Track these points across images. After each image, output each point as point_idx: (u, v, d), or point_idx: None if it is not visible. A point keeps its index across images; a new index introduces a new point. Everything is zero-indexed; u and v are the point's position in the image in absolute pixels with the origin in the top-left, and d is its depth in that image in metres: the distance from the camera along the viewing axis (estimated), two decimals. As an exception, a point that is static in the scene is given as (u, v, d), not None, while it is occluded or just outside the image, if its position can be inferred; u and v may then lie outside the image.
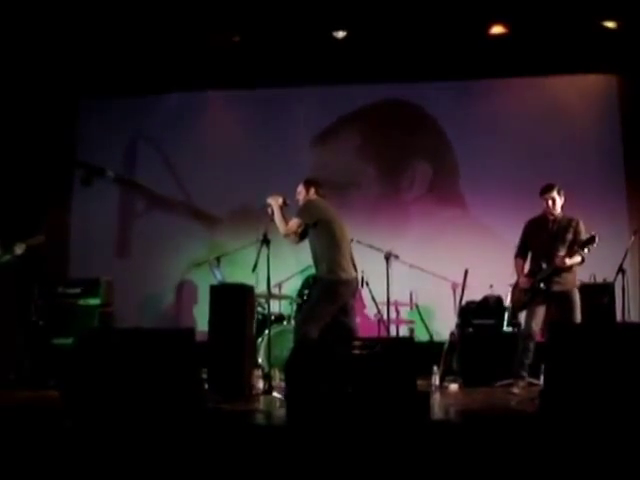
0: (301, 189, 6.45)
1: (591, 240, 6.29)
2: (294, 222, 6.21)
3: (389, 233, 8.86)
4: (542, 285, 6.45)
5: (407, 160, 9.53)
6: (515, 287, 6.81)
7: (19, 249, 7.33)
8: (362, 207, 9.31)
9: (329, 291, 6.12)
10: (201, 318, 8.42)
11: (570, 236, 6.50)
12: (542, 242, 6.57)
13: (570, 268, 6.50)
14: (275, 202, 6.32)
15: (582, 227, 6.53)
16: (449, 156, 9.46)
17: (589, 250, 6.33)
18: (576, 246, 6.40)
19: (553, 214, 6.57)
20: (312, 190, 6.40)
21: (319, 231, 6.17)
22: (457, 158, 9.44)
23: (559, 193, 6.58)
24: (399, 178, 9.51)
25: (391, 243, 7.91)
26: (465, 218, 9.27)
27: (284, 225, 6.21)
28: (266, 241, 6.57)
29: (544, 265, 6.47)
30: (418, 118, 9.57)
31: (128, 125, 9.89)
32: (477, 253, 8.61)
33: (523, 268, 6.73)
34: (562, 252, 6.43)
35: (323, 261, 6.16)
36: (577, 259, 6.44)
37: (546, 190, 6.59)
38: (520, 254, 6.78)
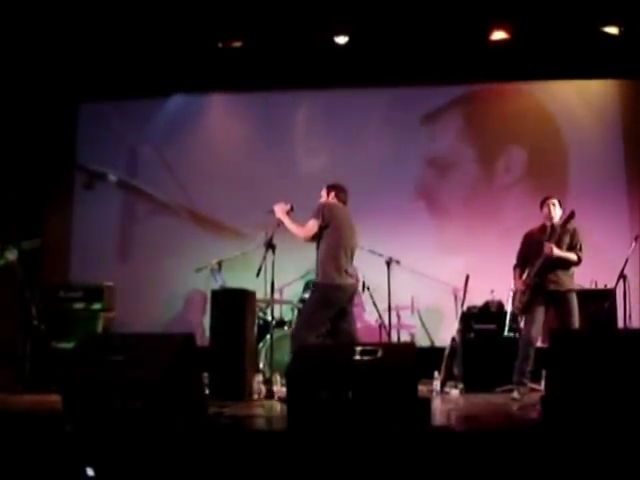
0: (323, 193, 6.44)
1: (571, 215, 6.39)
2: (312, 224, 6.12)
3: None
4: (537, 279, 6.47)
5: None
6: (516, 292, 6.82)
7: (11, 254, 7.32)
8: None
9: (324, 296, 6.10)
10: (203, 323, 8.42)
11: (567, 240, 6.53)
12: (540, 246, 6.58)
13: (566, 268, 6.50)
14: (281, 211, 6.30)
15: (579, 233, 6.56)
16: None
17: (570, 224, 6.44)
18: (579, 248, 6.42)
19: (551, 221, 6.59)
20: (332, 194, 6.39)
21: (325, 235, 6.14)
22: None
23: (560, 203, 6.65)
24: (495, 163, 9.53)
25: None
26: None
27: (300, 228, 6.17)
28: (271, 246, 6.58)
29: (536, 262, 6.50)
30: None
31: (129, 129, 9.89)
32: (479, 257, 8.63)
33: (521, 277, 6.74)
34: (555, 269, 6.44)
35: (321, 265, 6.14)
36: (570, 255, 6.45)
37: (547, 197, 6.71)
38: (518, 264, 6.79)
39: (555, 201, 6.64)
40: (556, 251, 6.41)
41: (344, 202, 6.41)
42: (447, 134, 9.54)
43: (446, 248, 9.04)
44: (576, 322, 6.37)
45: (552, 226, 6.60)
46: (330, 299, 6.06)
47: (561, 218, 6.59)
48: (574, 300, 6.46)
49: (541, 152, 9.31)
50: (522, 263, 6.77)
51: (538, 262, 6.47)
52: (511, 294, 6.95)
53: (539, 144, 9.32)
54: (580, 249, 6.49)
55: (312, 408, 4.64)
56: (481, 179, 9.43)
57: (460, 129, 9.53)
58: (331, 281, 6.05)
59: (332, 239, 6.13)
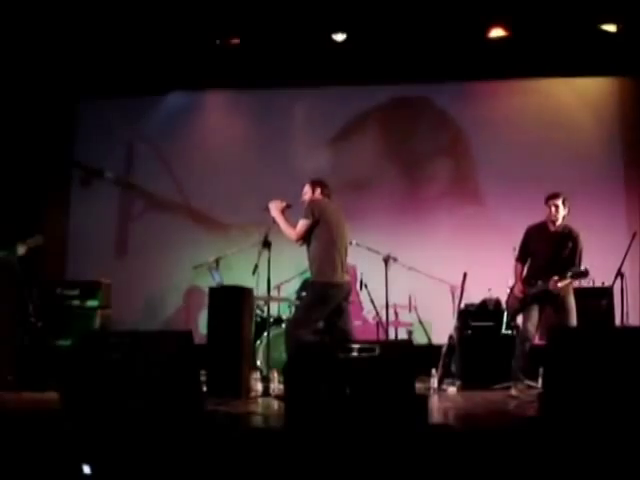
0: (307, 189, 6.37)
1: (584, 274, 6.37)
2: (302, 224, 6.08)
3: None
4: (535, 298, 6.51)
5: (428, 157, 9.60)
6: (511, 292, 6.83)
7: (21, 249, 7.33)
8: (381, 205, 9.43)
9: (319, 294, 6.07)
10: (200, 320, 8.42)
11: (567, 251, 6.51)
12: (541, 254, 6.59)
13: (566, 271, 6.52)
14: (276, 209, 6.26)
15: (581, 241, 6.54)
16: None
17: (579, 282, 6.50)
18: (569, 272, 6.39)
19: (554, 222, 6.57)
20: (318, 190, 6.32)
21: (316, 232, 6.10)
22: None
23: (564, 203, 6.58)
24: (420, 175, 9.58)
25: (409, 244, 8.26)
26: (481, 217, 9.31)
27: (292, 230, 6.12)
28: (267, 244, 6.57)
29: (540, 282, 6.48)
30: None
31: (127, 126, 9.88)
32: (476, 255, 8.63)
33: (521, 273, 6.74)
34: (556, 274, 6.42)
35: (315, 263, 6.11)
36: (568, 282, 6.46)
37: (552, 197, 6.60)
38: (520, 258, 6.79)
39: (559, 202, 6.55)
40: (560, 285, 6.40)
41: (329, 197, 6.37)
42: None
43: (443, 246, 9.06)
44: (574, 320, 6.38)
45: (555, 229, 6.58)
46: (326, 296, 6.03)
47: (564, 218, 6.59)
48: (572, 298, 6.47)
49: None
50: (523, 259, 6.77)
51: (540, 287, 6.48)
52: (508, 290, 6.94)
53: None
54: (580, 256, 6.48)
55: (309, 406, 4.64)
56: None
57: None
58: (327, 279, 6.03)
59: (324, 236, 6.08)
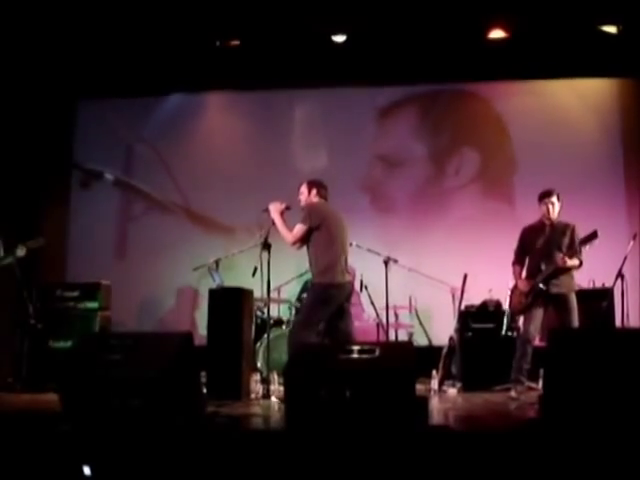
0: (304, 189, 6.36)
1: (593, 236, 6.26)
2: (299, 229, 6.10)
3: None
4: (542, 285, 6.45)
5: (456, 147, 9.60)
6: (514, 291, 6.81)
7: (21, 251, 7.32)
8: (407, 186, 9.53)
9: (322, 295, 6.07)
10: (201, 322, 8.41)
11: (567, 240, 6.51)
12: (539, 246, 6.57)
13: (568, 271, 6.50)
14: (275, 210, 6.26)
15: (578, 232, 6.53)
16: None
17: (591, 246, 6.31)
18: (578, 249, 6.39)
19: (550, 219, 6.58)
20: (314, 191, 6.32)
21: (317, 234, 6.11)
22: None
23: (558, 199, 6.59)
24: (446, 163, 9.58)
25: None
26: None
27: (289, 233, 6.13)
28: (267, 245, 6.56)
29: (543, 266, 6.47)
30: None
31: (126, 127, 9.87)
32: (476, 256, 8.63)
33: (521, 274, 6.73)
34: (561, 253, 6.43)
35: (317, 264, 6.11)
36: (575, 262, 6.44)
37: (546, 195, 6.60)
38: (517, 261, 6.78)
39: (554, 199, 6.56)
40: (568, 262, 6.40)
41: (325, 198, 6.37)
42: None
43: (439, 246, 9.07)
44: (575, 321, 6.37)
45: (551, 224, 6.59)
46: (329, 298, 6.03)
47: (559, 214, 6.59)
48: (574, 300, 6.45)
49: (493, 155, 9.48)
50: (520, 260, 6.77)
51: (547, 270, 6.45)
52: (509, 292, 6.92)
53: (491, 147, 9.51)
54: (580, 251, 6.47)
55: (310, 407, 4.63)
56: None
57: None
58: (330, 280, 6.03)
59: (325, 237, 6.09)
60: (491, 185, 9.40)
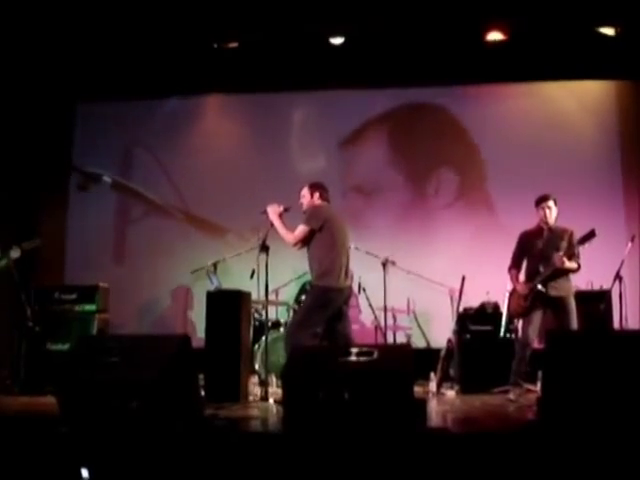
0: (305, 192, 6.35)
1: (591, 235, 6.25)
2: (301, 230, 6.08)
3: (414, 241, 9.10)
4: (540, 287, 6.45)
5: (432, 167, 9.57)
6: (512, 295, 6.81)
7: (15, 252, 7.32)
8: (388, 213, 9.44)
9: (320, 298, 6.06)
10: (198, 325, 8.41)
11: (565, 244, 6.51)
12: (538, 250, 6.58)
13: (566, 274, 6.50)
14: (274, 212, 6.25)
15: (576, 237, 6.53)
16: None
17: (589, 244, 6.31)
18: (577, 253, 6.40)
19: (547, 223, 6.58)
20: (317, 194, 6.31)
21: (319, 237, 6.10)
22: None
23: (555, 203, 6.60)
24: (424, 184, 9.53)
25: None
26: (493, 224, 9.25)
27: (290, 234, 6.12)
28: (265, 248, 6.56)
29: (541, 269, 6.47)
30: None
31: (125, 130, 9.87)
32: (475, 259, 8.63)
33: (518, 278, 6.73)
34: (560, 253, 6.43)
35: (316, 267, 6.11)
36: (574, 265, 6.44)
37: (542, 199, 6.62)
38: (514, 265, 6.77)
39: (551, 203, 6.57)
40: (567, 263, 6.40)
41: (328, 201, 6.37)
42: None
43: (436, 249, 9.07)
44: (574, 324, 6.37)
45: (549, 229, 6.59)
46: (327, 301, 6.02)
47: (556, 218, 6.60)
48: (572, 303, 6.45)
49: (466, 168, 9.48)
50: (517, 264, 6.77)
51: (546, 271, 6.44)
52: (507, 294, 6.92)
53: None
54: (578, 255, 6.47)
55: (308, 410, 4.63)
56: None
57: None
58: (328, 283, 6.02)
59: (327, 240, 6.08)
60: (473, 198, 9.41)
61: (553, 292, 6.46)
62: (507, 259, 6.81)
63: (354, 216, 8.74)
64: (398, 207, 9.45)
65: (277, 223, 6.22)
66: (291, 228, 6.16)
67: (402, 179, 9.51)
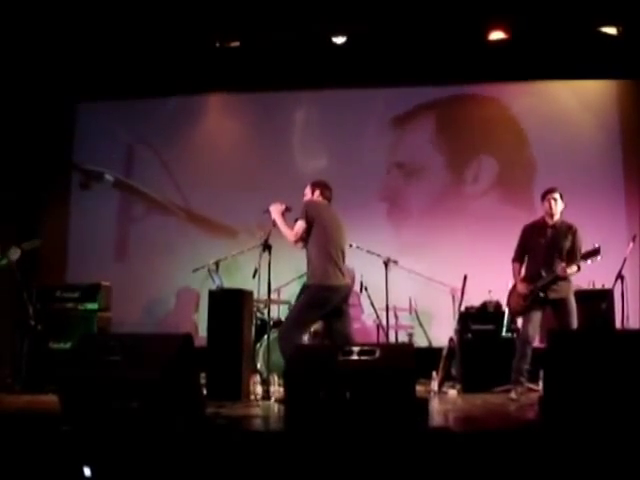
0: (308, 190, 6.37)
1: (595, 252, 6.26)
2: (299, 226, 6.08)
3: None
4: (542, 294, 6.45)
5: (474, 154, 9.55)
6: (512, 292, 6.80)
7: (14, 253, 7.32)
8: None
9: (314, 296, 6.05)
10: (201, 323, 8.41)
11: (568, 244, 6.50)
12: (540, 248, 6.56)
13: (566, 277, 6.50)
14: (276, 211, 6.25)
15: (580, 235, 6.52)
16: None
17: (592, 262, 6.31)
18: (579, 256, 6.39)
19: (552, 217, 6.56)
20: (317, 192, 6.32)
21: (312, 234, 6.08)
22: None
23: (561, 197, 6.58)
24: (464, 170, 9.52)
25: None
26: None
27: (290, 232, 6.11)
28: (267, 247, 6.56)
29: (544, 273, 6.45)
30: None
31: (126, 129, 9.88)
32: (476, 257, 8.63)
33: (520, 271, 6.73)
34: (562, 260, 6.42)
35: (310, 265, 6.10)
36: (574, 269, 6.43)
37: (548, 191, 6.61)
38: (517, 258, 6.77)
39: (557, 196, 6.55)
40: (568, 271, 6.39)
41: (329, 199, 6.36)
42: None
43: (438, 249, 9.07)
44: (575, 322, 6.37)
45: (553, 226, 6.58)
46: (322, 300, 6.01)
47: (562, 213, 6.58)
48: (573, 302, 6.45)
49: (511, 163, 9.41)
50: (520, 258, 6.76)
51: (547, 277, 6.44)
52: (509, 287, 6.89)
53: (509, 154, 9.44)
54: (580, 250, 6.46)
55: (310, 409, 4.64)
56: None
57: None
58: (324, 282, 6.01)
59: (320, 238, 6.07)
60: (510, 191, 9.35)
61: (553, 295, 6.46)
62: (508, 258, 6.81)
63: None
64: (395, 201, 9.48)
65: (279, 222, 6.22)
66: (292, 227, 6.16)
67: (399, 172, 9.52)
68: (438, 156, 9.50)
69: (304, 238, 6.14)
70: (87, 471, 3.97)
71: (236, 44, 9.10)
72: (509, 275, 6.82)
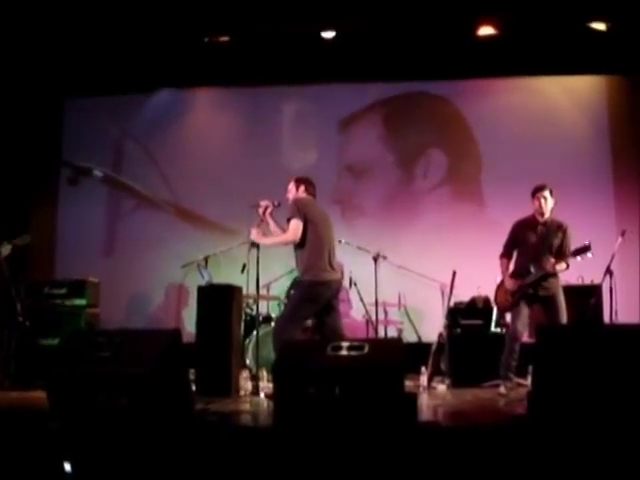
0: (292, 187, 6.35)
1: (585, 249, 6.26)
2: (296, 224, 6.00)
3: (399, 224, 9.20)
4: (531, 291, 6.46)
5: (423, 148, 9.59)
6: (499, 288, 6.80)
7: (5, 250, 7.29)
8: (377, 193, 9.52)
9: (307, 292, 6.05)
10: (189, 319, 8.39)
11: (557, 241, 6.51)
12: (530, 244, 6.56)
13: (555, 274, 6.50)
14: (257, 236, 6.25)
15: (570, 233, 6.53)
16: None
17: (582, 258, 6.32)
18: (568, 253, 6.40)
19: (543, 215, 6.56)
20: (302, 188, 6.30)
21: (303, 230, 6.06)
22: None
23: (551, 194, 6.57)
24: (413, 170, 9.56)
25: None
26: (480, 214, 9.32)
27: (284, 236, 6.09)
28: (256, 242, 6.55)
29: (532, 269, 6.46)
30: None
31: (115, 124, 9.85)
32: (465, 253, 8.64)
33: (508, 267, 6.73)
34: (551, 257, 6.43)
35: (302, 261, 6.09)
36: (563, 266, 6.44)
37: (539, 189, 6.57)
38: (505, 254, 6.76)
39: (547, 194, 6.52)
40: (557, 268, 6.40)
41: (314, 195, 6.35)
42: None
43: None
44: (564, 318, 6.37)
45: (544, 223, 6.58)
46: (315, 295, 6.01)
47: (552, 210, 6.58)
48: (562, 299, 6.45)
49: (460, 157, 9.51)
50: (509, 254, 6.76)
51: (536, 274, 6.43)
52: (497, 282, 6.89)
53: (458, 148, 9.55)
54: (569, 256, 6.46)
55: (299, 404, 4.63)
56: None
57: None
58: (316, 277, 6.00)
59: (311, 234, 6.05)
60: (461, 187, 9.43)
61: (543, 292, 6.46)
62: (497, 254, 6.81)
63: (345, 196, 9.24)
64: (384, 195, 9.52)
65: (268, 241, 6.29)
66: (282, 228, 6.18)
67: (389, 166, 9.55)
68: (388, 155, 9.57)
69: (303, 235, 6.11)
70: (67, 467, 3.94)
71: (225, 39, 9.07)
72: (498, 271, 6.81)
